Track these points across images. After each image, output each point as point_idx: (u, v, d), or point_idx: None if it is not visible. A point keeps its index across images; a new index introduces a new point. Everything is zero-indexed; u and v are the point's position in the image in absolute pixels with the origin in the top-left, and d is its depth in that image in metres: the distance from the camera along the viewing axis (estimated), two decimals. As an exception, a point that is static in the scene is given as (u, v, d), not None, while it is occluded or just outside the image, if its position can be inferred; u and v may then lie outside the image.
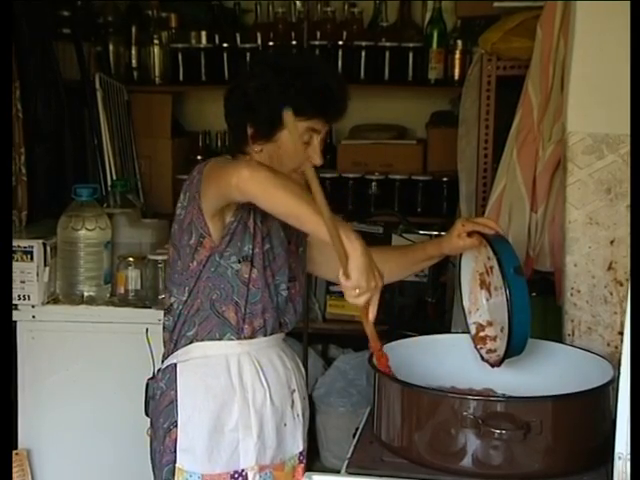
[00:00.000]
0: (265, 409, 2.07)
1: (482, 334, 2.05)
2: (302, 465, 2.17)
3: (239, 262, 2.03)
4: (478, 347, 2.05)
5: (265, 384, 2.08)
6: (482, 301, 2.08)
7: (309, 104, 1.99)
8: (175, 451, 2.05)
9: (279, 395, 2.11)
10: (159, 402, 2.09)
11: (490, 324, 2.05)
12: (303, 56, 2.07)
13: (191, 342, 2.07)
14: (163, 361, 2.14)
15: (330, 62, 4.03)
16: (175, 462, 2.05)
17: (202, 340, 2.06)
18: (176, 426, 2.05)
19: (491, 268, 2.03)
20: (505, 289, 1.89)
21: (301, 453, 2.17)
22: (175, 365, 2.08)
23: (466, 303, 2.10)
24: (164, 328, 2.13)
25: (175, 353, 2.09)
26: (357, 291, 1.71)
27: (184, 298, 2.07)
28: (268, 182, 1.80)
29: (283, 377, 2.13)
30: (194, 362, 2.06)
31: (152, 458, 2.12)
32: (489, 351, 2.02)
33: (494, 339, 2.01)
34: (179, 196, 2.10)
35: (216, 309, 2.05)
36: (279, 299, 2.10)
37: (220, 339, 2.06)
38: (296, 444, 2.15)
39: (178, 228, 2.07)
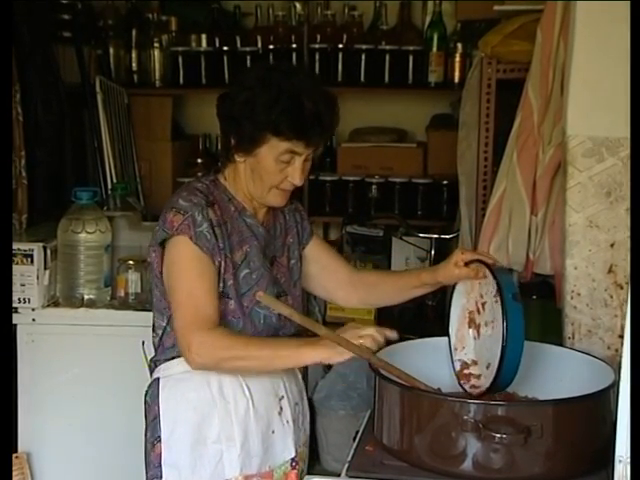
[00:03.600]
0: (249, 419, 2.05)
1: (466, 371, 2.04)
2: (295, 471, 2.15)
3: None
4: (462, 382, 2.04)
5: (247, 394, 2.06)
6: (469, 340, 2.06)
7: (290, 126, 1.95)
8: (159, 466, 2.06)
9: (264, 403, 2.09)
10: (146, 416, 2.11)
11: (475, 363, 2.04)
12: (298, 75, 2.04)
13: (173, 359, 2.08)
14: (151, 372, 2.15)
15: (330, 65, 4.04)
16: (159, 477, 2.05)
17: (183, 356, 2.05)
18: (160, 441, 2.06)
19: (483, 305, 2.02)
20: (502, 313, 1.88)
21: (293, 459, 2.15)
22: (158, 380, 2.09)
23: (453, 340, 2.09)
24: (152, 343, 2.15)
25: (158, 368, 2.11)
26: (363, 338, 1.87)
27: (163, 324, 2.08)
28: (218, 365, 1.96)
29: (269, 385, 2.11)
30: (175, 377, 2.07)
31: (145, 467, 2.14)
32: (472, 387, 2.01)
33: (478, 377, 2.00)
34: None
35: None
36: (272, 319, 2.08)
37: None
38: (287, 450, 2.13)
39: (151, 251, 2.07)
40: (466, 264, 2.05)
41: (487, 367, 1.96)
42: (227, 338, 1.94)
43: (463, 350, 2.07)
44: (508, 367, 1.88)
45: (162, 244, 2.01)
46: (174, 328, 2.00)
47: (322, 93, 2.02)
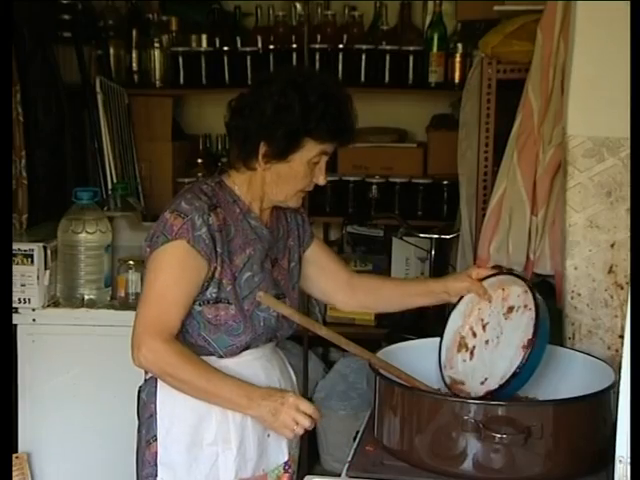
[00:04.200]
0: (246, 422, 2.05)
1: (456, 387, 2.06)
2: (287, 475, 2.15)
3: (200, 305, 2.02)
4: (452, 391, 2.05)
5: None
6: (457, 362, 2.09)
7: (327, 129, 1.99)
8: (154, 465, 2.06)
9: None
10: (141, 413, 2.11)
11: (463, 383, 2.05)
12: (320, 76, 2.08)
13: None
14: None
15: (330, 65, 4.04)
16: (154, 476, 2.06)
17: None
18: (155, 440, 2.06)
19: (484, 327, 2.05)
20: (535, 319, 1.92)
21: (286, 463, 2.15)
22: (155, 379, 2.08)
23: (443, 357, 2.10)
24: None
25: None
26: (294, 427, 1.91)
27: None
28: (160, 376, 1.99)
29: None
30: None
31: (136, 465, 2.14)
32: (465, 395, 2.03)
33: (468, 393, 2.02)
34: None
35: (187, 340, 2.04)
36: (271, 321, 2.08)
37: (199, 355, 2.05)
38: (281, 454, 2.13)
39: (145, 247, 2.06)
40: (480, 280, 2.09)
41: (482, 382, 1.97)
42: (179, 356, 1.95)
43: (452, 369, 2.09)
44: (524, 375, 1.90)
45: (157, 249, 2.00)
46: (135, 321, 2.01)
47: (343, 92, 2.07)
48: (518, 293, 2.01)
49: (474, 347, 2.06)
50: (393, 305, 2.31)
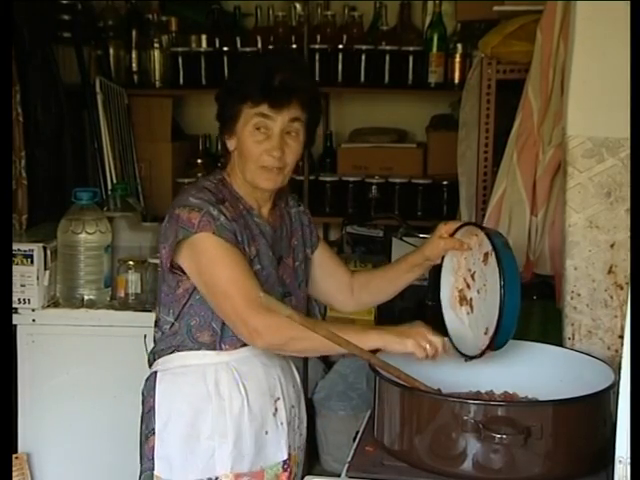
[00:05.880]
0: (243, 417, 2.06)
1: None
2: (286, 474, 2.15)
3: None
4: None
5: (243, 392, 2.07)
6: (464, 318, 2.08)
7: (254, 89, 2.00)
8: (152, 458, 2.07)
9: (259, 403, 2.10)
10: (142, 408, 2.13)
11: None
12: (269, 54, 2.20)
13: (172, 353, 2.09)
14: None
15: (330, 66, 4.05)
16: (152, 469, 2.07)
17: (182, 351, 2.08)
18: (153, 433, 2.07)
19: (472, 276, 2.04)
20: (495, 252, 1.92)
21: (285, 462, 2.15)
22: (155, 373, 2.10)
23: (447, 318, 2.11)
24: (153, 339, 2.16)
25: (156, 361, 2.12)
26: (425, 350, 1.88)
27: (169, 319, 2.08)
28: (287, 344, 1.94)
29: (265, 385, 2.12)
30: (172, 371, 2.08)
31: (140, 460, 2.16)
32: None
33: (476, 344, 2.01)
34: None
35: (192, 334, 2.06)
36: None
37: (199, 349, 2.07)
38: (280, 452, 2.13)
39: (160, 248, 2.07)
40: (451, 235, 2.09)
41: (485, 332, 1.97)
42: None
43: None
44: (509, 309, 1.89)
45: (179, 242, 2.00)
46: (228, 318, 1.98)
47: (290, 59, 2.13)
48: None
49: (471, 299, 2.06)
50: (387, 292, 2.30)
